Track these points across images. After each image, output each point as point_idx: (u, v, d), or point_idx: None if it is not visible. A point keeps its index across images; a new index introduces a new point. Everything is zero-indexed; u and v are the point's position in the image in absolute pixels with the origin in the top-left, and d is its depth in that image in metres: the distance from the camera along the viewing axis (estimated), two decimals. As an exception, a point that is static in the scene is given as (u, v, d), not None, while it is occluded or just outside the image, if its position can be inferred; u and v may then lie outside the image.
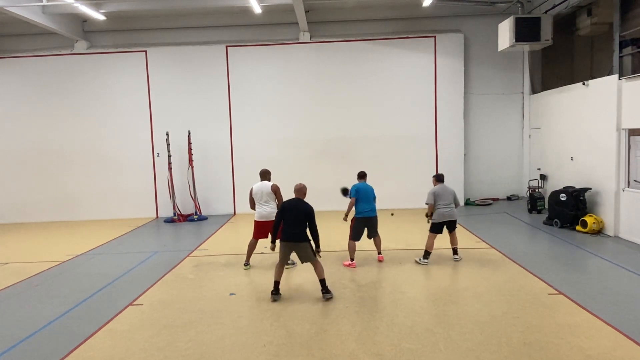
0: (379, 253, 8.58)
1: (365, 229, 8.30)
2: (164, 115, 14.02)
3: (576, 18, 11.80)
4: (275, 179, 13.83)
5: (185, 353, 5.02)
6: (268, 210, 8.06)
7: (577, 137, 11.08)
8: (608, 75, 9.90)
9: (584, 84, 10.64)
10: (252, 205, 8.22)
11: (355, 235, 8.25)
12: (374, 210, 8.30)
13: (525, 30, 11.03)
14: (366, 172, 8.86)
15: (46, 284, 7.85)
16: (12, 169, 14.21)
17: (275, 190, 8.20)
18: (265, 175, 8.47)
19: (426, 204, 8.08)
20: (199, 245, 10.20)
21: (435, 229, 8.04)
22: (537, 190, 12.73)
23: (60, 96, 14.07)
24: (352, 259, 8.25)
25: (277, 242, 6.78)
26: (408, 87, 13.89)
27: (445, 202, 7.96)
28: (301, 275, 7.74)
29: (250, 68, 13.94)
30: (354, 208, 8.29)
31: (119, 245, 10.70)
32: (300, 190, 7.02)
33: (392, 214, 12.54)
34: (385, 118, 13.93)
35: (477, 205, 13.93)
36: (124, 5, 12.33)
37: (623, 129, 9.41)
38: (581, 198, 10.25)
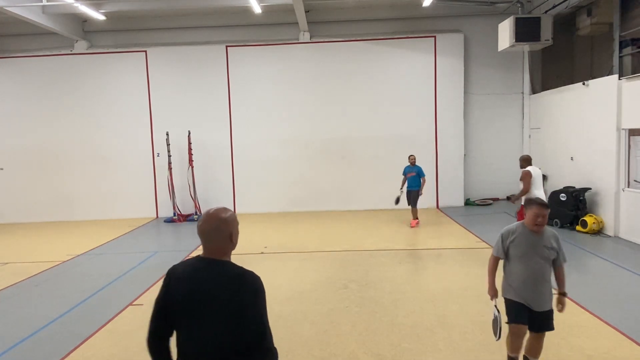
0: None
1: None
2: (164, 115, 14.00)
3: (576, 18, 11.80)
4: (275, 179, 14.05)
5: (185, 353, 5.01)
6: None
7: (577, 137, 11.07)
8: (608, 75, 9.90)
9: (584, 84, 10.63)
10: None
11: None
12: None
13: (525, 30, 11.02)
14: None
15: (46, 284, 7.85)
16: (12, 168, 14.20)
17: (521, 178, 8.43)
18: (522, 162, 8.68)
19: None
20: (199, 245, 10.17)
21: (513, 314, 4.10)
22: (537, 190, 12.71)
23: (60, 96, 14.06)
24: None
25: None
26: (408, 87, 13.88)
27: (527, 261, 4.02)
28: (301, 275, 7.74)
29: (250, 68, 13.94)
30: None
31: (119, 245, 10.70)
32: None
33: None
34: (385, 118, 13.92)
35: (477, 205, 13.93)
36: (124, 5, 12.32)
37: (623, 129, 9.41)
38: (581, 198, 10.25)
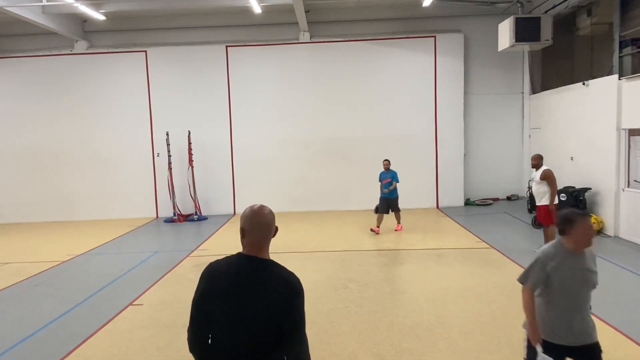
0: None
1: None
2: (164, 115, 14.01)
3: (576, 18, 11.80)
4: (275, 179, 14.04)
5: (185, 353, 4.98)
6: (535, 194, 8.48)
7: (577, 137, 11.07)
8: (608, 75, 9.90)
9: (584, 84, 10.64)
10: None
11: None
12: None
13: (525, 30, 11.02)
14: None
15: (46, 284, 7.85)
16: (12, 168, 14.20)
17: (543, 177, 8.22)
18: (538, 160, 8.50)
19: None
20: (199, 245, 10.19)
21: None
22: (537, 190, 12.71)
23: (60, 96, 14.06)
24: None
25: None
26: (408, 87, 13.88)
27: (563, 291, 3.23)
28: (301, 275, 7.73)
29: (250, 68, 13.94)
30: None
31: (119, 245, 10.70)
32: None
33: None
34: (385, 118, 13.92)
35: (477, 205, 13.93)
36: (124, 5, 12.32)
37: (623, 129, 9.41)
38: (581, 198, 10.25)
